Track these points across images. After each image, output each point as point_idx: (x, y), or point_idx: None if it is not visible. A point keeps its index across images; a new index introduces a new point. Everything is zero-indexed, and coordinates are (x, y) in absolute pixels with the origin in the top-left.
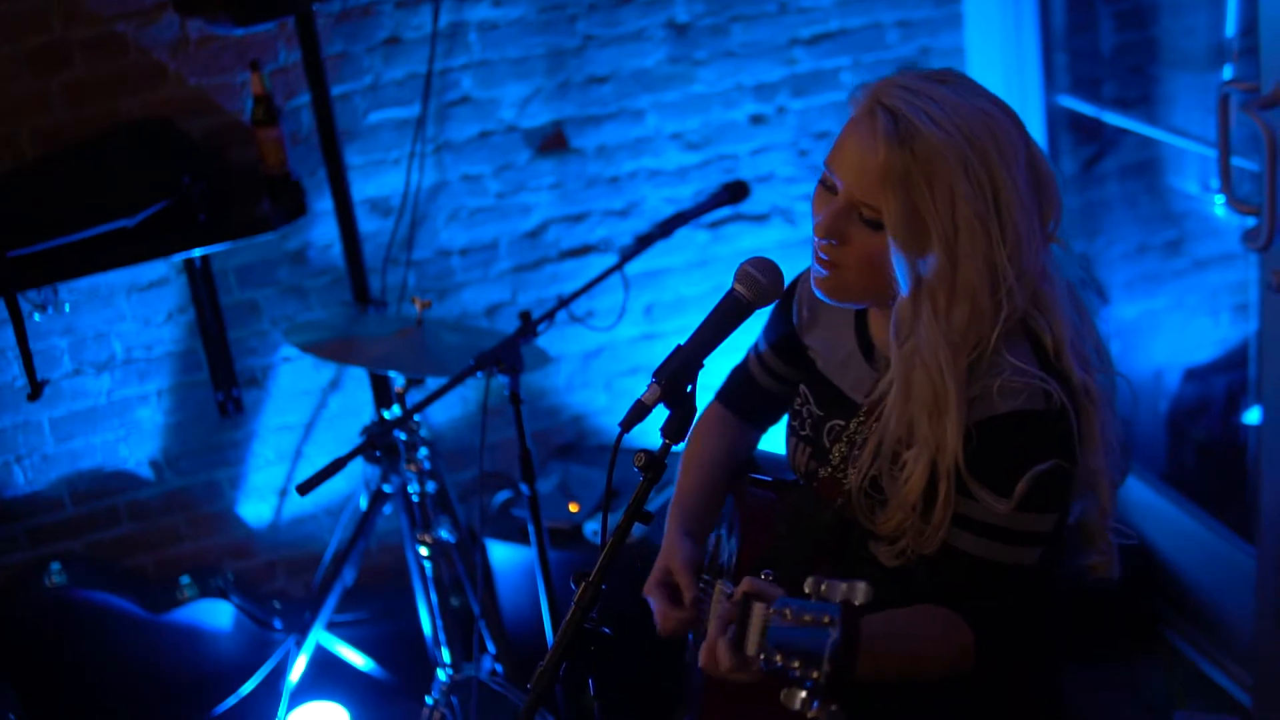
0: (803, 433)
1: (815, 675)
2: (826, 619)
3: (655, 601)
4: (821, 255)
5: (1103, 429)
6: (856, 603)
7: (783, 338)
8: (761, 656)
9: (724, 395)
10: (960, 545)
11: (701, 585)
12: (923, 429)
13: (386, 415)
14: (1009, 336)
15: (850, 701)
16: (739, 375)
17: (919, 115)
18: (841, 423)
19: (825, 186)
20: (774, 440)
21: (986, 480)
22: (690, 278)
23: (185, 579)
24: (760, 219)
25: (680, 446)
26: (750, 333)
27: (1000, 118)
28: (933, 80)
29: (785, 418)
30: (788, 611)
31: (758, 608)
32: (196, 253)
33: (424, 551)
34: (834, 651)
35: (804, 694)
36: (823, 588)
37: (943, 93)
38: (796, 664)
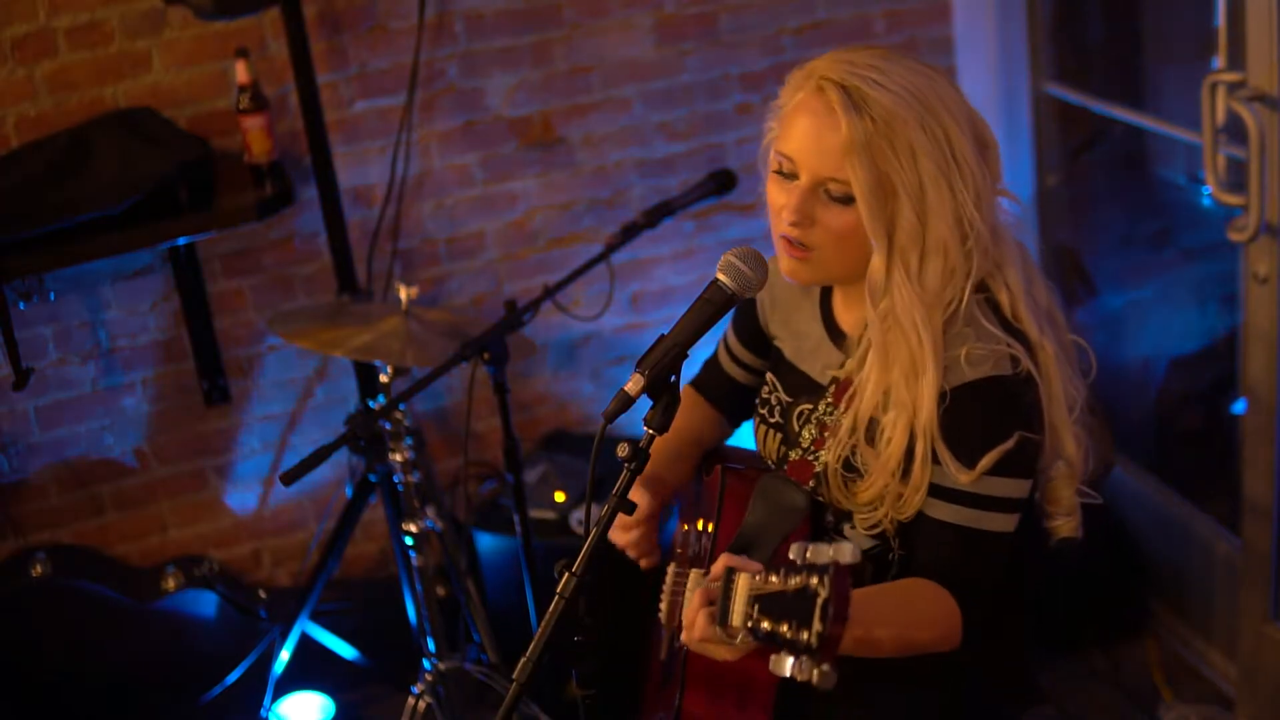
0: (771, 420)
1: (805, 636)
2: (815, 580)
3: (617, 533)
4: (792, 241)
5: (1064, 385)
6: (844, 562)
7: (747, 325)
8: (749, 625)
9: (696, 381)
10: (934, 514)
11: (676, 575)
12: (900, 393)
13: (372, 404)
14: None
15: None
16: (710, 363)
17: (866, 83)
18: (810, 406)
19: (782, 175)
20: (746, 438)
21: (953, 447)
22: (677, 267)
23: (170, 568)
24: (747, 209)
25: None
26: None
27: (937, 78)
28: (865, 52)
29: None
30: (774, 577)
31: (742, 577)
32: (182, 241)
33: (409, 541)
34: (824, 610)
35: (793, 659)
36: (808, 552)
37: (880, 62)
38: (785, 628)
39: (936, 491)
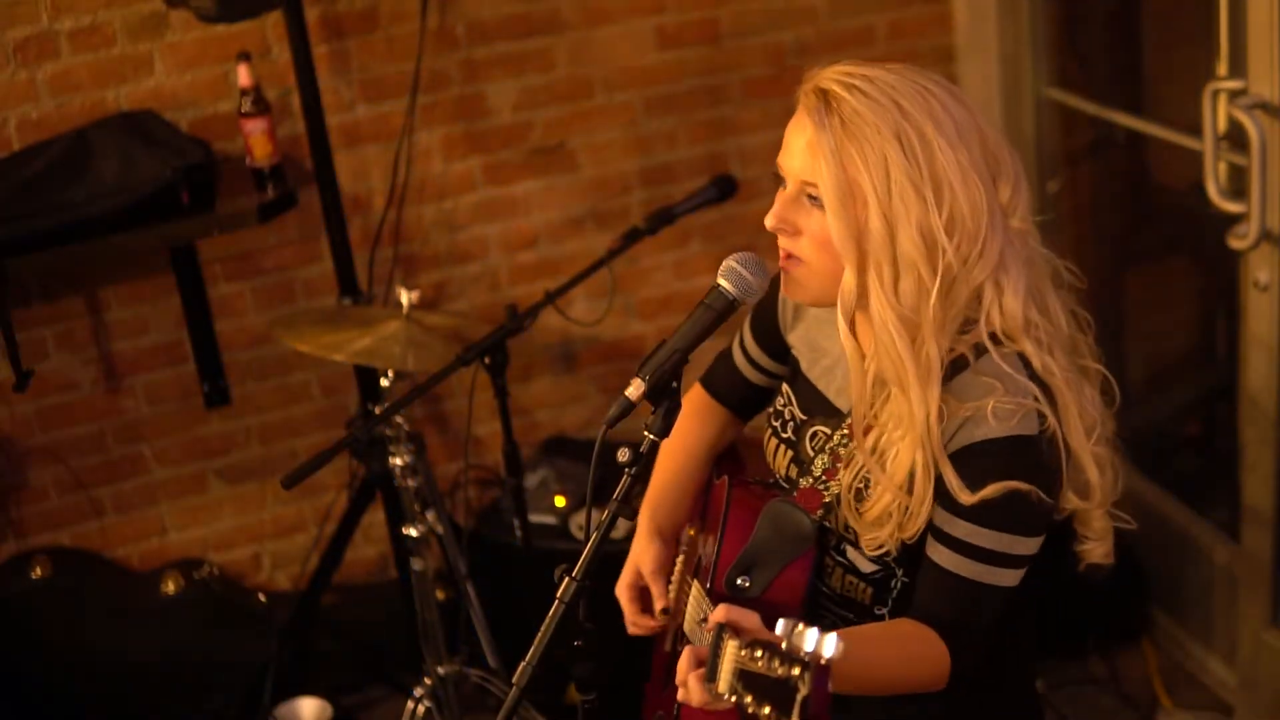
0: (784, 435)
1: None
2: (797, 672)
3: (626, 604)
4: (783, 252)
5: (1081, 407)
6: (825, 659)
7: (766, 331)
8: (733, 697)
9: (708, 380)
10: (939, 560)
11: (680, 579)
12: (899, 408)
13: (372, 408)
14: (982, 346)
15: None
16: (724, 362)
17: (847, 89)
18: (826, 431)
19: (780, 188)
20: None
21: (962, 473)
22: (678, 273)
23: (170, 571)
24: (749, 215)
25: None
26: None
27: (941, 95)
28: (873, 65)
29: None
30: (759, 657)
31: (730, 646)
32: (183, 244)
33: (410, 545)
34: (803, 707)
35: None
36: (794, 633)
37: (879, 73)
38: (766, 710)
39: (945, 539)
